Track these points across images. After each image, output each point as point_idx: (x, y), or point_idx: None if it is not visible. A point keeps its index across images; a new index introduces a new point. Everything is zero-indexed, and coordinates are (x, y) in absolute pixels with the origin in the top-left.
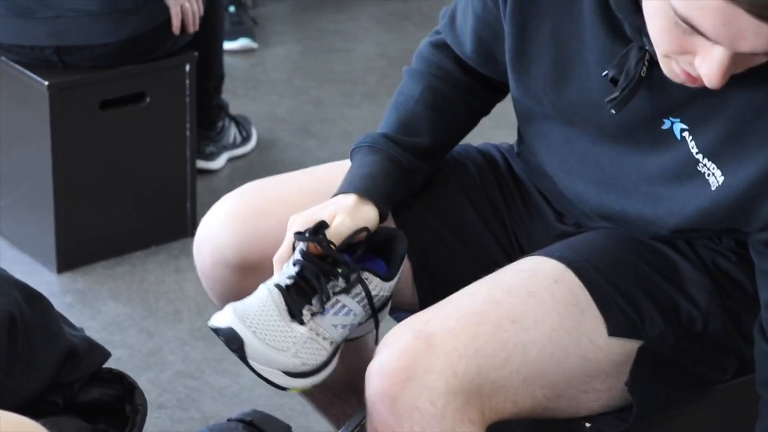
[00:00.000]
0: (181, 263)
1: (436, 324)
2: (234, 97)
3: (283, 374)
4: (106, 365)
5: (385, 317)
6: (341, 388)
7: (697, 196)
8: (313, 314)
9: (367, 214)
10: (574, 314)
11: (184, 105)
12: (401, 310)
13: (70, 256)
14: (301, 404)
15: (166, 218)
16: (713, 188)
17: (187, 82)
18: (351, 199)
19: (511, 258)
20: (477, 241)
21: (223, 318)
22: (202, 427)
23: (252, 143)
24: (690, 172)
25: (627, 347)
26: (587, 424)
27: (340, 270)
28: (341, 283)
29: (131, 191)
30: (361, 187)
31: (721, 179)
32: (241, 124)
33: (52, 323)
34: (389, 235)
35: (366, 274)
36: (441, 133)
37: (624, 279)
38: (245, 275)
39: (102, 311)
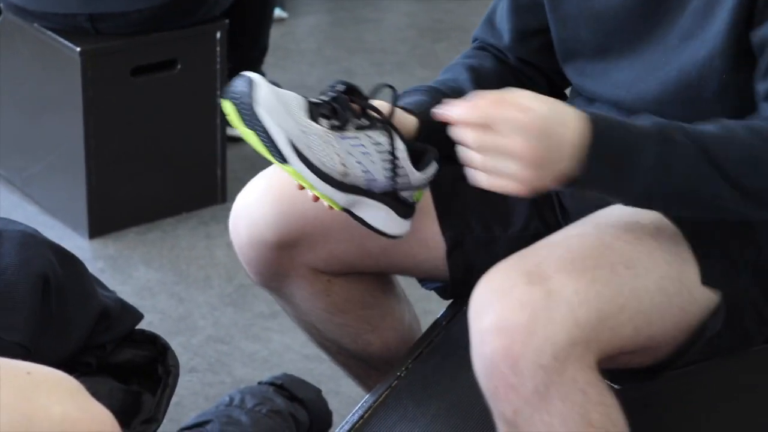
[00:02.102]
0: (211, 230)
1: (551, 266)
2: (264, 66)
3: (288, 141)
4: (137, 328)
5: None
6: (378, 361)
7: (718, 18)
8: (331, 127)
9: (406, 119)
10: (677, 263)
11: (215, 72)
12: (433, 281)
13: (102, 222)
14: (331, 368)
15: (197, 185)
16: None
17: (218, 49)
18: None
19: (552, 230)
20: (518, 214)
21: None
22: (232, 390)
23: None
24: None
25: (713, 299)
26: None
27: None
28: (364, 121)
29: (162, 158)
30: (403, 103)
31: None
32: None
33: (86, 284)
34: (422, 150)
35: (394, 135)
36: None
37: (716, 230)
38: (282, 252)
39: (133, 276)
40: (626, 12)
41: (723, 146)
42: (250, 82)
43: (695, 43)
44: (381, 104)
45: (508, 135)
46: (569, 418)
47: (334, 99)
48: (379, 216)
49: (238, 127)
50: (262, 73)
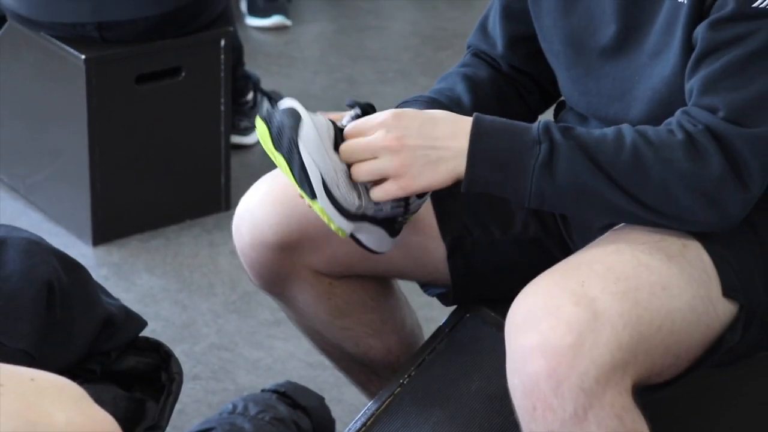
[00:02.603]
0: (215, 237)
1: (595, 286)
2: (267, 74)
3: (321, 181)
4: (141, 336)
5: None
6: (380, 366)
7: (676, 36)
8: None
9: None
10: (705, 281)
11: (219, 80)
12: (434, 286)
13: (106, 230)
14: (334, 376)
15: (201, 193)
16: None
17: (222, 57)
18: None
19: (552, 235)
20: (517, 217)
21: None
22: (236, 397)
23: None
24: (675, 14)
25: (732, 311)
26: None
27: None
28: None
29: (166, 165)
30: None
31: None
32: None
33: (90, 291)
34: None
35: None
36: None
37: (732, 239)
38: (284, 254)
39: (137, 284)
40: (597, 29)
41: (605, 147)
42: (295, 115)
43: (662, 61)
44: None
45: (371, 134)
46: None
47: None
48: (373, 237)
49: (268, 148)
50: (245, 73)
